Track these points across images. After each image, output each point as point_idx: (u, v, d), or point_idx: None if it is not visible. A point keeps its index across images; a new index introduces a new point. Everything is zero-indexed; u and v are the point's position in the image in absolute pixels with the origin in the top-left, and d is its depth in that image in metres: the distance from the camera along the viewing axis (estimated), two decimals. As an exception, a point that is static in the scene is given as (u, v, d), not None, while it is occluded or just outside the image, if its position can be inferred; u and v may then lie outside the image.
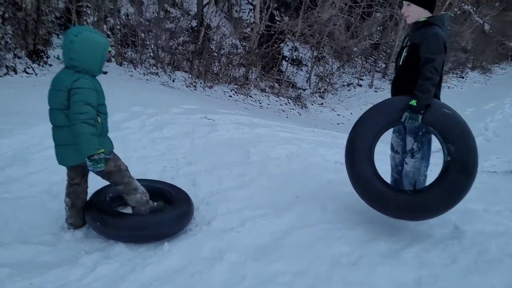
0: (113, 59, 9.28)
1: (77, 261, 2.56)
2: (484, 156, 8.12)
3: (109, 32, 9.94)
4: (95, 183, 3.15)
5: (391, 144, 3.46)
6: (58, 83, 2.63)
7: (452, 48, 15.41)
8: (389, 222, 3.29)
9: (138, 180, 3.31)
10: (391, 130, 3.33)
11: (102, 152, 2.64)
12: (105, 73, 2.48)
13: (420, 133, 3.08)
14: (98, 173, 2.79)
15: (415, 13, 3.06)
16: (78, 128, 2.55)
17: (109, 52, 2.71)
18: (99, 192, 3.11)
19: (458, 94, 13.85)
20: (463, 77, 15.53)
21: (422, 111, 2.85)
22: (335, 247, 2.85)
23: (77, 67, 2.60)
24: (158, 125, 5.15)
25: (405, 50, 3.11)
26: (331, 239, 2.95)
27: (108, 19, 9.94)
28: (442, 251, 2.90)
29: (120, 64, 9.23)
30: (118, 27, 9.58)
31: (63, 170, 3.76)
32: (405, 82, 3.05)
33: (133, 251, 2.73)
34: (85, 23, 9.35)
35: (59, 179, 3.60)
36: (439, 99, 3.13)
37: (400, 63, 3.14)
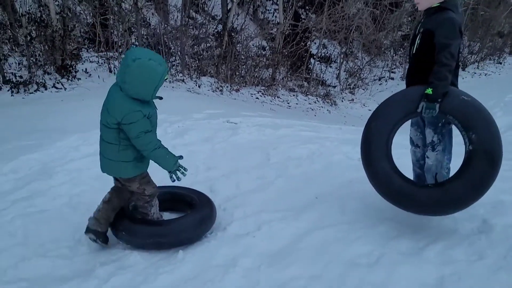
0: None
1: (91, 273, 2.60)
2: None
3: (137, 43, 10.17)
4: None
5: (410, 138, 3.32)
6: (109, 105, 2.66)
7: (488, 33, 14.72)
8: (413, 219, 3.14)
9: (160, 187, 3.33)
10: (408, 123, 3.20)
11: (178, 161, 2.85)
12: (161, 98, 2.56)
13: (440, 124, 2.92)
14: (122, 180, 2.95)
15: (431, 1, 2.92)
16: (154, 155, 2.75)
17: (166, 79, 2.72)
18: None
19: (497, 80, 13.18)
20: (500, 63, 14.76)
21: (439, 100, 2.71)
22: (353, 248, 2.75)
23: (129, 92, 2.58)
24: (179, 132, 5.19)
25: (418, 37, 2.96)
26: (350, 239, 2.85)
27: (133, 30, 10.16)
28: (468, 247, 2.73)
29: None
30: (144, 37, 9.78)
31: (84, 182, 3.88)
32: (420, 72, 2.91)
33: (147, 260, 2.74)
34: (110, 36, 9.61)
35: (79, 191, 3.71)
36: (456, 87, 2.96)
37: (414, 52, 3.00)
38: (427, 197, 2.76)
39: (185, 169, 2.89)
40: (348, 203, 3.39)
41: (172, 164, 2.82)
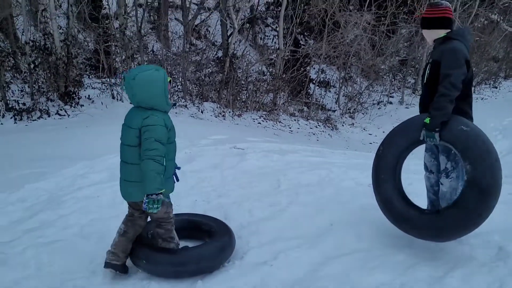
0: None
1: (111, 304, 2.56)
2: (528, 167, 7.76)
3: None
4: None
5: (425, 163, 3.34)
6: (130, 121, 2.73)
7: (483, 59, 15.01)
8: (429, 246, 3.14)
9: (178, 214, 3.32)
10: (423, 148, 3.25)
11: (161, 193, 2.65)
12: (174, 104, 2.61)
13: (453, 151, 2.96)
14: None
15: (432, 35, 3.05)
16: (145, 164, 2.61)
17: (170, 82, 2.77)
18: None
19: (493, 104, 13.38)
20: (496, 87, 15.05)
21: (437, 129, 2.77)
22: (374, 276, 2.73)
23: (147, 105, 2.68)
24: (187, 158, 5.19)
25: (427, 67, 3.05)
26: (369, 268, 2.83)
27: (135, 56, 10.29)
28: (488, 274, 2.72)
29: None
30: (145, 62, 9.87)
31: (93, 211, 3.85)
32: (431, 100, 2.96)
33: (166, 290, 2.70)
34: (113, 62, 9.71)
35: (89, 220, 3.69)
36: (470, 116, 3.01)
37: (425, 81, 3.07)
38: (424, 223, 2.85)
39: (158, 206, 2.66)
40: (362, 230, 3.38)
41: (156, 187, 2.60)
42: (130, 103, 2.78)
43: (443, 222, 2.76)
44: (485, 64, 15.16)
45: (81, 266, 3.01)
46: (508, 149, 9.04)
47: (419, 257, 2.95)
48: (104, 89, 9.29)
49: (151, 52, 11.09)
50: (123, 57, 9.72)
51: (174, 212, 3.30)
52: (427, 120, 2.81)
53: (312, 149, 6.54)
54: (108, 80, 9.29)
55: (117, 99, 9.01)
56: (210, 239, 3.04)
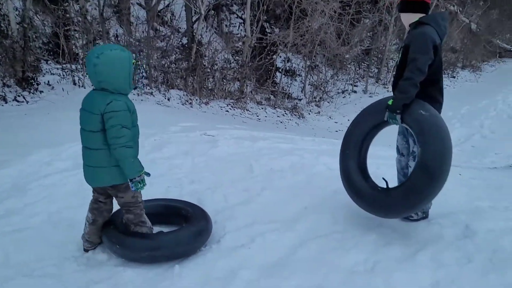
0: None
1: (85, 292, 2.49)
2: (483, 153, 8.18)
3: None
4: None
5: (397, 146, 3.44)
6: (90, 106, 2.62)
7: (442, 49, 15.52)
8: (400, 226, 3.25)
9: (152, 200, 3.27)
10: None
11: (143, 173, 2.71)
12: (135, 88, 2.54)
13: None
14: (113, 192, 2.84)
15: (410, 19, 3.10)
16: (119, 153, 2.59)
17: (134, 63, 2.68)
18: (114, 215, 3.05)
19: (451, 93, 13.90)
20: (454, 77, 15.62)
21: (398, 111, 2.87)
22: (349, 256, 2.80)
23: (108, 88, 2.58)
24: (157, 145, 5.09)
25: (400, 52, 3.11)
26: (345, 249, 2.90)
27: (97, 41, 9.94)
28: (456, 251, 2.85)
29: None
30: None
31: (61, 199, 3.72)
32: None
33: (142, 276, 2.65)
34: (73, 47, 9.34)
35: (57, 208, 3.56)
36: (439, 102, 3.11)
37: (397, 65, 3.16)
38: (375, 199, 3.01)
39: (144, 184, 2.75)
40: (337, 213, 3.45)
41: (137, 171, 2.66)
42: (92, 85, 2.67)
43: (392, 200, 2.90)
44: (444, 55, 15.66)
45: (52, 253, 2.90)
46: (466, 136, 9.47)
47: (391, 237, 3.05)
48: (64, 75, 8.93)
49: (113, 38, 10.73)
50: (84, 41, 9.36)
51: (148, 198, 3.26)
52: (390, 101, 2.92)
53: (282, 136, 6.58)
54: (68, 66, 8.93)
55: (79, 86, 8.68)
56: (186, 223, 3.00)
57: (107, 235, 2.83)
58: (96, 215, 2.93)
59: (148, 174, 2.79)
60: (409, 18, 3.10)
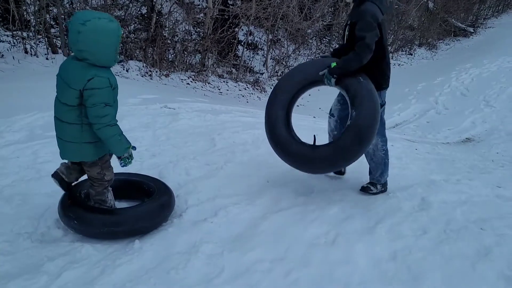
0: (59, 50, 8.79)
1: (39, 269, 2.36)
2: (437, 128, 8.49)
3: (52, 22, 9.39)
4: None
5: (330, 108, 3.53)
6: (68, 78, 2.39)
7: (400, 26, 15.81)
8: (360, 199, 3.33)
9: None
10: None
11: (130, 148, 2.64)
12: (121, 61, 2.36)
13: None
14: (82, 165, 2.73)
15: None
16: (104, 132, 2.46)
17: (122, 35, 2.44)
18: (72, 189, 2.89)
19: (408, 70, 14.26)
20: (411, 54, 15.97)
21: (335, 76, 3.00)
22: (311, 229, 2.84)
23: (88, 59, 2.33)
24: (116, 118, 4.91)
25: (347, 29, 3.15)
26: (306, 222, 2.93)
27: (50, 7, 9.36)
28: (413, 223, 2.97)
29: (68, 55, 8.76)
30: (62, 16, 9.04)
31: (13, 173, 3.54)
32: None
33: (100, 252, 2.56)
34: (25, 13, 8.77)
35: (9, 182, 3.38)
36: (387, 76, 3.20)
37: (345, 42, 3.20)
38: (303, 154, 3.09)
39: (132, 158, 2.69)
40: (299, 186, 3.49)
41: (124, 148, 2.58)
42: (71, 53, 2.45)
43: (319, 156, 3.01)
44: (402, 32, 15.98)
45: (3, 229, 2.74)
46: (421, 112, 9.79)
47: (351, 211, 3.12)
48: (15, 43, 8.39)
49: (68, 4, 10.15)
50: (36, 8, 8.79)
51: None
52: (333, 64, 3.02)
53: (245, 109, 6.54)
54: (19, 33, 8.39)
55: (31, 54, 8.19)
56: (148, 198, 2.93)
57: (64, 210, 2.70)
58: (65, 175, 2.80)
59: (134, 148, 2.70)
60: None
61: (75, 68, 2.38)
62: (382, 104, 3.22)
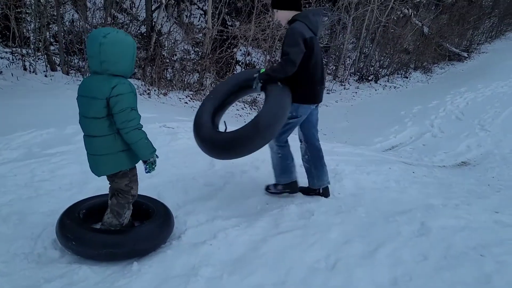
0: (58, 68, 8.83)
1: (36, 291, 2.34)
2: (433, 151, 8.53)
3: (52, 40, 9.45)
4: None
5: (298, 136, 3.81)
6: (92, 91, 2.47)
7: (396, 50, 16.04)
8: (360, 223, 3.32)
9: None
10: None
11: (155, 153, 2.72)
12: (134, 74, 2.57)
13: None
14: (110, 176, 2.76)
15: (284, 16, 3.39)
16: (132, 136, 2.54)
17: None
18: (71, 209, 2.88)
19: (404, 93, 14.41)
20: (407, 77, 16.16)
21: (262, 81, 3.32)
22: (311, 253, 2.81)
23: (110, 70, 2.45)
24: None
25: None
26: (306, 245, 2.91)
27: (50, 26, 9.44)
28: (413, 248, 2.94)
29: (67, 73, 8.79)
30: (62, 34, 9.11)
31: (10, 191, 3.51)
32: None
33: (98, 274, 2.53)
34: (25, 31, 8.83)
35: (7, 201, 3.35)
36: (306, 92, 3.41)
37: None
38: (209, 138, 3.36)
39: (156, 165, 2.77)
40: (297, 209, 3.47)
41: (151, 151, 2.66)
42: (89, 70, 2.53)
43: (220, 141, 3.26)
44: (397, 56, 16.21)
45: (0, 249, 2.71)
46: (417, 135, 9.85)
47: (351, 234, 3.10)
48: (14, 60, 8.43)
49: (68, 23, 10.24)
50: (37, 25, 8.86)
51: (107, 193, 3.13)
52: (262, 70, 3.37)
53: (242, 130, 6.54)
54: (19, 50, 8.43)
55: (30, 71, 8.23)
56: (147, 219, 2.91)
57: (62, 230, 2.67)
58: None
59: (157, 156, 2.75)
60: (284, 16, 3.38)
61: (97, 81, 2.47)
62: (293, 116, 3.42)
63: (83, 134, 2.66)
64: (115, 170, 2.68)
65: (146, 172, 2.71)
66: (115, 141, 2.58)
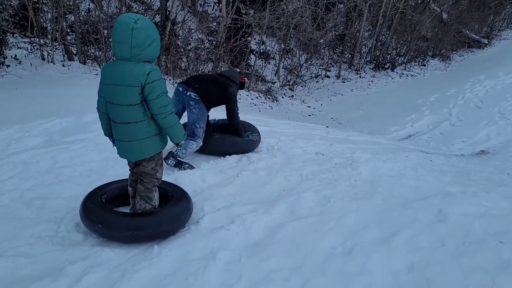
0: (75, 57, 8.93)
1: (60, 272, 2.40)
2: (451, 140, 8.43)
3: (68, 30, 9.54)
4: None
5: None
6: (126, 79, 2.49)
7: (413, 37, 15.77)
8: (377, 210, 3.32)
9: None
10: None
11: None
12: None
13: None
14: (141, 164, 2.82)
15: None
16: (169, 120, 2.62)
17: None
18: (93, 194, 2.94)
19: (421, 81, 14.20)
20: (424, 65, 15.91)
21: None
22: (327, 239, 2.83)
23: (140, 55, 2.47)
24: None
25: None
26: (323, 231, 2.93)
27: (67, 15, 9.53)
28: (431, 235, 2.94)
29: (84, 63, 8.89)
30: (78, 23, 9.19)
31: (33, 177, 3.60)
32: None
33: (120, 257, 2.60)
34: (42, 21, 8.93)
35: (30, 186, 3.44)
36: None
37: None
38: None
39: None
40: (314, 195, 3.49)
41: (183, 134, 2.78)
42: (114, 56, 2.55)
43: None
44: (415, 43, 15.94)
45: (24, 233, 2.80)
46: (435, 123, 9.72)
47: (368, 221, 3.11)
48: (32, 50, 8.55)
49: (84, 12, 10.33)
50: (54, 15, 8.96)
51: (122, 178, 3.20)
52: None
53: (258, 118, 6.56)
54: (37, 40, 8.54)
55: (48, 61, 8.35)
56: (167, 204, 2.96)
57: (87, 213, 2.74)
58: (135, 188, 2.94)
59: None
60: None
61: (129, 68, 2.49)
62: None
63: (114, 121, 2.66)
64: (150, 154, 2.75)
65: (176, 154, 2.79)
66: (150, 126, 2.64)
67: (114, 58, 2.59)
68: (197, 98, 4.04)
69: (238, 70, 5.23)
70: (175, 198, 2.97)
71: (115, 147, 2.85)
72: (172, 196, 3.02)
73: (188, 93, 4.05)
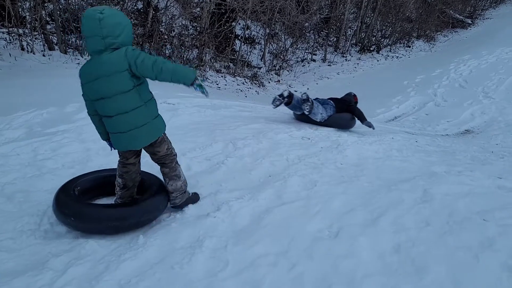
0: (56, 47, 8.73)
1: (44, 265, 2.36)
2: (436, 120, 8.50)
3: (48, 18, 9.32)
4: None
5: None
6: (110, 68, 2.42)
7: (398, 19, 15.76)
8: (363, 192, 3.33)
9: (105, 170, 3.18)
10: None
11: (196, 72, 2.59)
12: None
13: None
14: (150, 149, 2.81)
15: None
16: (166, 67, 2.43)
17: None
18: (65, 187, 2.88)
19: (406, 63, 14.25)
20: (409, 46, 15.94)
21: None
22: (314, 223, 2.83)
23: (114, 43, 2.42)
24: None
25: None
26: (310, 215, 2.93)
27: (46, 4, 9.29)
28: (416, 215, 2.96)
29: (65, 52, 8.70)
30: (58, 12, 8.98)
31: (14, 170, 3.52)
32: None
33: (105, 248, 2.56)
34: (20, 9, 8.70)
35: (11, 179, 3.37)
36: None
37: None
38: None
39: (204, 87, 2.63)
40: (300, 179, 3.48)
41: (193, 72, 2.52)
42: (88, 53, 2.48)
43: None
44: (399, 24, 15.93)
45: (6, 226, 2.74)
46: (420, 104, 9.79)
47: (354, 203, 3.11)
48: (11, 40, 8.33)
49: (64, 0, 10.07)
50: (32, 4, 8.72)
51: (109, 168, 3.15)
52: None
53: (244, 104, 6.52)
54: (15, 30, 8.32)
55: (28, 51, 8.14)
56: (146, 193, 2.95)
57: (60, 209, 2.68)
58: (126, 179, 2.90)
59: (203, 80, 2.65)
60: None
61: (106, 57, 2.43)
62: None
63: (109, 116, 2.58)
64: (155, 137, 2.72)
65: (197, 90, 2.59)
66: (148, 110, 2.62)
67: (89, 57, 2.53)
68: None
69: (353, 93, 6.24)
70: (150, 187, 2.96)
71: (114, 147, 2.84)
72: (147, 185, 3.00)
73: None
